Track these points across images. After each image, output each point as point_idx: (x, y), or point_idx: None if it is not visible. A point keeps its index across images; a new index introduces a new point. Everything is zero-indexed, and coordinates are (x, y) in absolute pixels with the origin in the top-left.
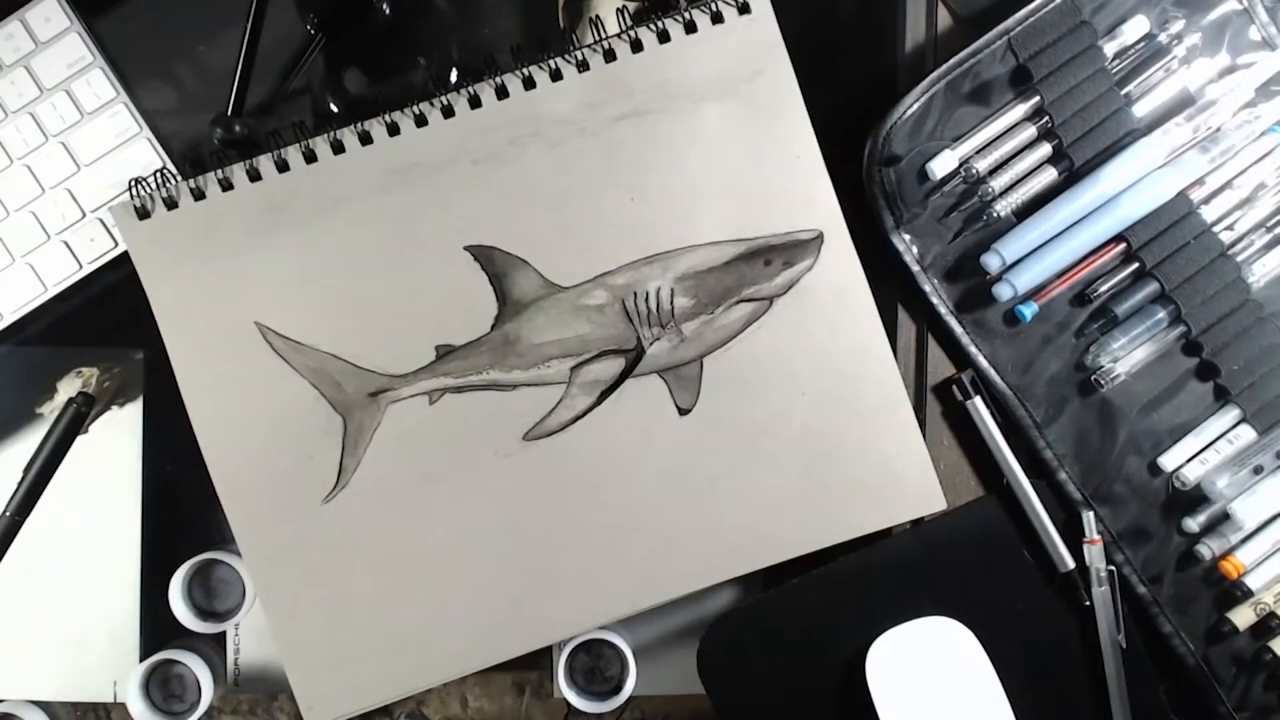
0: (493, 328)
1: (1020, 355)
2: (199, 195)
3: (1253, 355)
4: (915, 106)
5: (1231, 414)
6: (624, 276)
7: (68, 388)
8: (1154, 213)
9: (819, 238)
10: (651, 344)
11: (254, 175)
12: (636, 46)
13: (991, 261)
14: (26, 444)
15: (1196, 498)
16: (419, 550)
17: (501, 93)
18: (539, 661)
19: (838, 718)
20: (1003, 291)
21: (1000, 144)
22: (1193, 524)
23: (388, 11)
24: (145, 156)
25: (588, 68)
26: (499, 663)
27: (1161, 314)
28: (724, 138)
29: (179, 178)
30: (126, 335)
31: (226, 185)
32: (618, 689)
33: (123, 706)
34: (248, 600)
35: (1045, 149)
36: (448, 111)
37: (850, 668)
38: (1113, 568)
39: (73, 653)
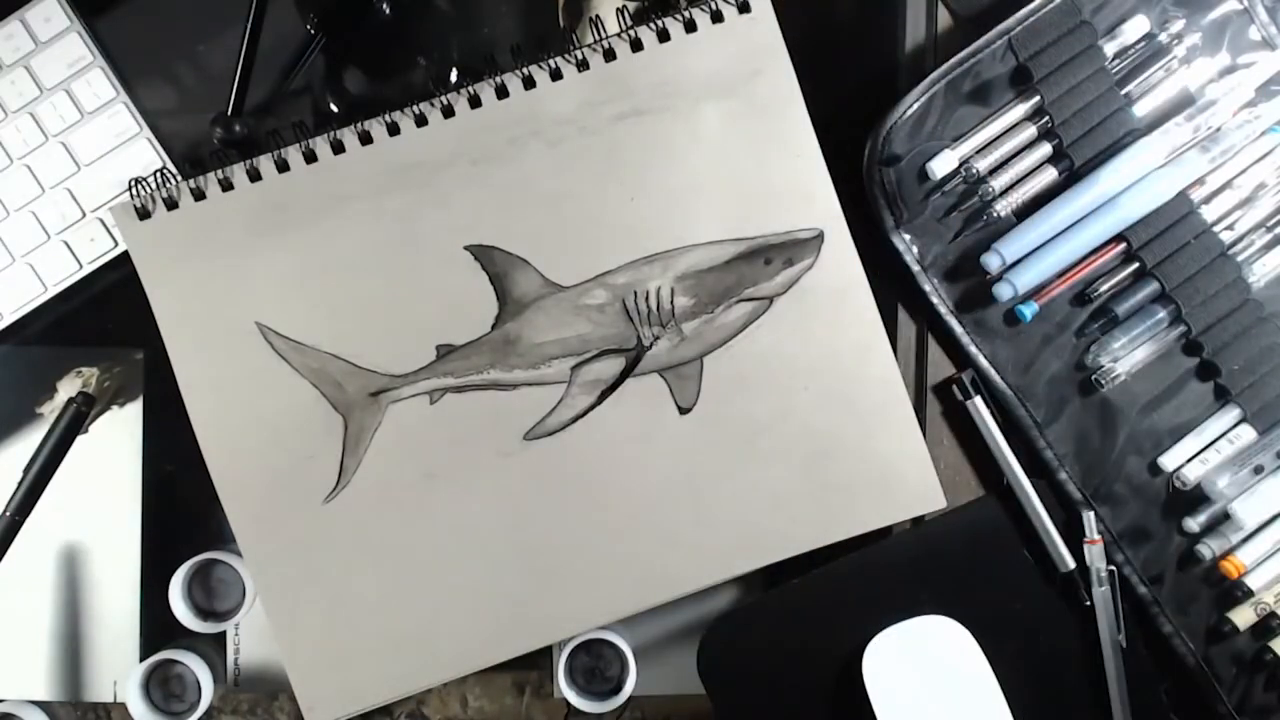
0: (493, 327)
1: (1020, 355)
2: (199, 195)
3: (1253, 355)
4: (915, 106)
5: (1232, 414)
6: (624, 276)
7: (68, 388)
8: (1154, 212)
9: (819, 237)
10: (652, 343)
11: (254, 175)
12: (636, 46)
13: (991, 261)
14: (26, 444)
15: (1197, 498)
16: (420, 550)
17: (501, 92)
18: (539, 661)
19: (837, 717)
20: (1003, 291)
21: (1000, 144)
22: (1193, 524)
23: (388, 11)
24: (145, 156)
25: (588, 67)
26: (499, 663)
27: (1162, 314)
28: (724, 137)
29: (179, 178)
30: (126, 335)
31: (226, 185)
32: (618, 689)
33: (123, 706)
34: (248, 600)
35: (1045, 149)
36: (448, 111)
37: (850, 667)
38: (1113, 568)
39: (73, 653)
